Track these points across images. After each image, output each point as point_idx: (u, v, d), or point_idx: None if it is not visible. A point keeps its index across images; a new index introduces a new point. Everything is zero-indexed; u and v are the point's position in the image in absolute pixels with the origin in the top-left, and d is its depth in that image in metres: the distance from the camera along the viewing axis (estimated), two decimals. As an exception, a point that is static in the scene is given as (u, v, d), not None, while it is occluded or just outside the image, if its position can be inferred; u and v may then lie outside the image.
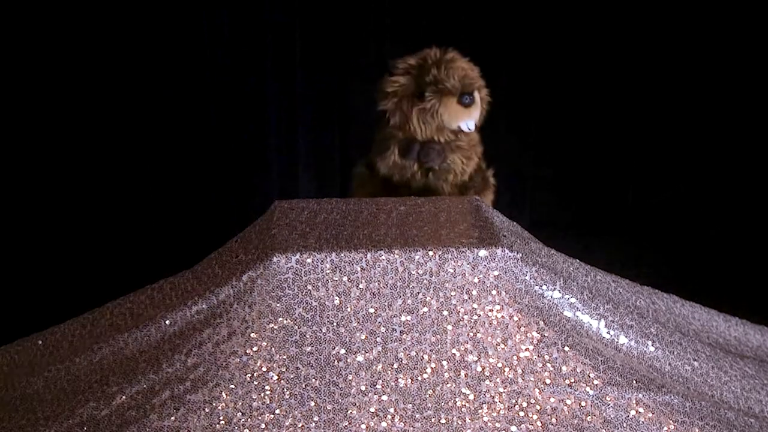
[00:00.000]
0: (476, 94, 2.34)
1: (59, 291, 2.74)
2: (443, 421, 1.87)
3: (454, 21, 3.14)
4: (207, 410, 1.84)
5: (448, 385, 1.88)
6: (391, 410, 1.87)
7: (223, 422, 1.83)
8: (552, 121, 3.28)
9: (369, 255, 1.85)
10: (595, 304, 1.96)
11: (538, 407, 1.88)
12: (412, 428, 1.87)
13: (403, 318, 1.86)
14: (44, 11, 2.94)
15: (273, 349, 1.85)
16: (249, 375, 1.85)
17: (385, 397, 1.87)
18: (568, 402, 1.87)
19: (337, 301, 1.85)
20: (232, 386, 1.84)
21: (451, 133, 2.37)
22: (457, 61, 2.36)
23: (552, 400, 1.87)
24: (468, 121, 2.34)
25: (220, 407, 1.84)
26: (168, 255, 2.94)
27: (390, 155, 2.39)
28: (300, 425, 1.85)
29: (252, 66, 3.13)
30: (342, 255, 1.84)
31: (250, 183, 3.23)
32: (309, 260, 1.84)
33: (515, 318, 1.89)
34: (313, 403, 1.86)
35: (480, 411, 1.88)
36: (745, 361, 2.08)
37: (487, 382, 1.88)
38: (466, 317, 1.87)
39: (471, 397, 1.88)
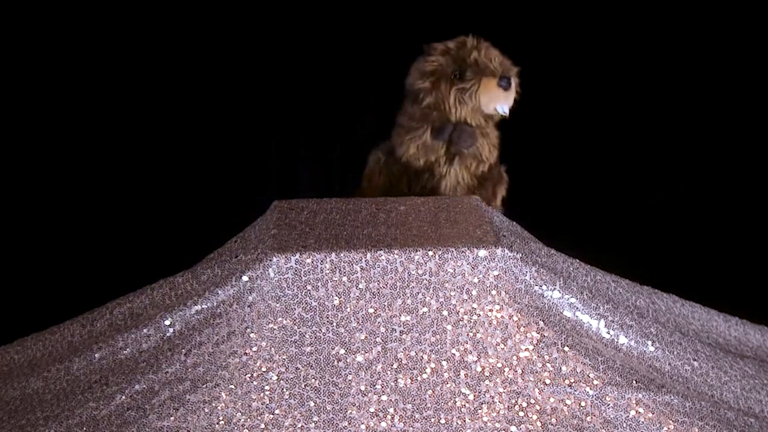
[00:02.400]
0: (513, 80, 2.38)
1: (59, 291, 2.74)
2: (443, 421, 1.87)
3: (454, 20, 3.13)
4: (206, 410, 1.84)
5: (448, 385, 1.88)
6: (391, 410, 1.87)
7: (222, 422, 1.83)
8: (552, 121, 3.28)
9: (369, 255, 1.85)
10: (595, 304, 1.96)
11: (537, 407, 1.88)
12: (411, 428, 1.87)
13: (402, 318, 1.86)
14: (44, 11, 2.94)
15: (272, 349, 1.85)
16: (248, 375, 1.85)
17: (384, 397, 1.87)
18: (568, 402, 1.87)
19: (336, 301, 1.85)
20: (232, 386, 1.84)
21: (483, 118, 2.40)
22: (493, 48, 2.40)
23: (552, 400, 1.87)
24: (504, 104, 2.37)
25: (219, 407, 1.84)
26: (168, 255, 2.94)
27: (423, 134, 2.39)
28: (300, 425, 1.85)
29: (252, 65, 3.13)
30: (342, 255, 1.84)
31: (250, 183, 3.23)
32: (308, 260, 1.84)
33: (515, 318, 1.89)
34: (312, 404, 1.86)
35: (480, 411, 1.88)
36: (745, 361, 2.08)
37: (487, 382, 1.88)
38: (465, 317, 1.87)
39: (471, 397, 1.88)
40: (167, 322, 1.91)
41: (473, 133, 2.38)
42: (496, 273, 1.88)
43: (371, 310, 1.86)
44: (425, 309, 1.87)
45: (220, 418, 1.84)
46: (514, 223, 2.17)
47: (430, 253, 1.86)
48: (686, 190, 3.31)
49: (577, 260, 2.10)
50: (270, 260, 1.85)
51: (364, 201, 2.18)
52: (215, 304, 1.89)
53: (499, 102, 2.36)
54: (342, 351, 1.86)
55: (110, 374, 1.90)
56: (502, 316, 1.88)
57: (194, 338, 1.88)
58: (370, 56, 3.11)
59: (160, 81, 3.08)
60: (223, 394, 1.84)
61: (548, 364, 1.88)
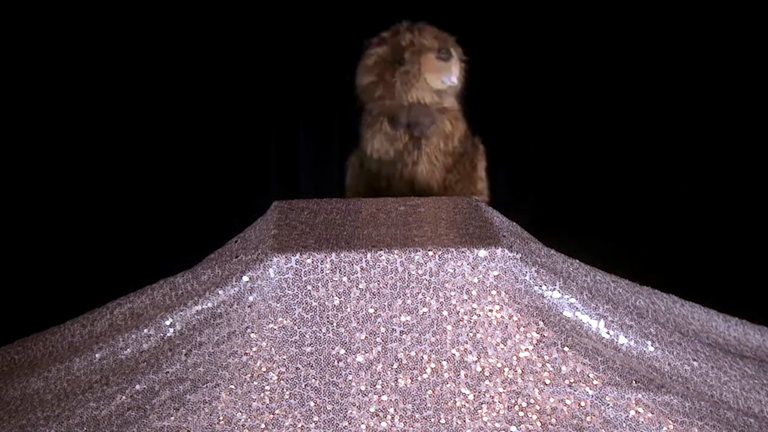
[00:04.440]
0: (452, 51, 2.41)
1: (59, 291, 2.74)
2: (443, 421, 1.87)
3: (454, 17, 3.13)
4: (207, 410, 1.84)
5: (448, 385, 1.88)
6: (391, 410, 1.87)
7: (222, 422, 1.83)
8: (552, 120, 3.28)
9: (369, 255, 1.85)
10: (595, 304, 1.96)
11: (537, 407, 1.88)
12: (411, 428, 1.87)
13: (402, 318, 1.87)
14: (44, 11, 2.94)
15: (273, 349, 1.85)
16: (249, 375, 1.85)
17: (384, 397, 1.87)
18: (568, 402, 1.87)
19: (336, 302, 1.85)
20: (232, 386, 1.85)
21: (436, 95, 2.41)
22: (429, 26, 2.44)
23: (551, 400, 1.87)
24: (449, 75, 2.39)
25: (219, 407, 1.84)
26: (168, 255, 2.95)
27: (381, 125, 2.42)
28: (300, 425, 1.85)
29: (252, 65, 3.13)
30: (342, 255, 1.84)
31: (250, 183, 3.23)
32: (309, 260, 1.84)
33: (515, 318, 1.89)
34: (312, 404, 1.86)
35: (480, 411, 1.88)
36: (744, 361, 2.08)
37: (487, 382, 1.88)
38: (465, 317, 1.87)
39: (471, 397, 1.88)
40: (168, 322, 1.91)
41: (429, 111, 2.41)
42: (496, 273, 1.88)
43: (371, 310, 1.86)
44: (425, 309, 1.87)
45: (221, 418, 1.84)
46: (514, 223, 2.18)
47: (430, 253, 1.86)
48: (686, 189, 3.31)
49: (577, 260, 2.10)
50: (270, 260, 1.85)
51: (364, 201, 2.19)
52: (216, 304, 1.89)
53: (444, 74, 2.39)
54: (342, 351, 1.86)
55: (111, 374, 1.90)
56: (502, 316, 1.88)
57: (194, 338, 1.88)
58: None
59: (159, 81, 3.08)
60: (223, 394, 1.84)
61: (548, 364, 1.88)
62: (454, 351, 1.88)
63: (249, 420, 1.84)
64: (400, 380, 1.87)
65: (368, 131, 2.47)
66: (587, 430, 1.85)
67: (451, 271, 1.86)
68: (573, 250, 2.24)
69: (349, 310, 1.86)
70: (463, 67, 2.47)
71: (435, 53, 2.37)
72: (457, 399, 1.88)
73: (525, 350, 1.89)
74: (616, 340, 1.96)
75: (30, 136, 3.05)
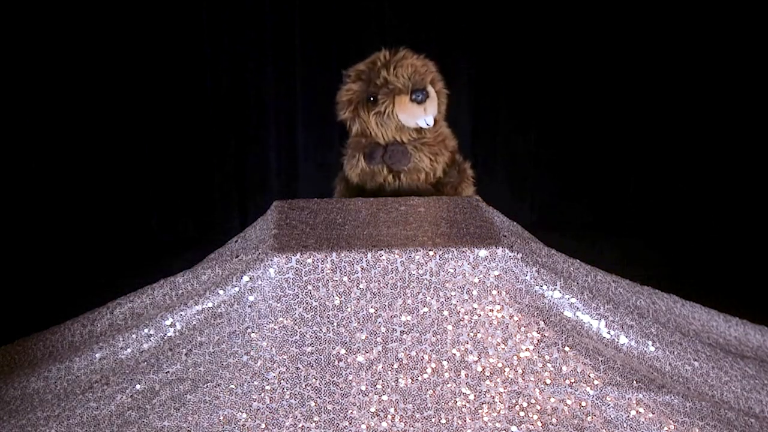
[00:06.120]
0: (430, 89, 2.34)
1: (59, 291, 2.74)
2: (443, 421, 1.87)
3: (455, 17, 3.14)
4: (207, 410, 1.83)
5: (449, 385, 1.88)
6: (392, 410, 1.87)
7: (223, 422, 1.83)
8: (553, 120, 3.28)
9: (369, 255, 1.85)
10: (596, 304, 1.96)
11: (538, 407, 1.87)
12: (412, 428, 1.87)
13: (403, 318, 1.86)
14: (44, 11, 2.94)
15: (273, 349, 1.85)
16: (249, 375, 1.85)
17: (385, 397, 1.87)
18: (569, 402, 1.87)
19: (337, 301, 1.85)
20: (232, 386, 1.84)
21: (414, 132, 2.37)
22: (407, 59, 2.35)
23: (552, 400, 1.87)
24: (425, 117, 2.34)
25: (220, 407, 1.84)
26: (168, 255, 2.95)
27: (357, 163, 2.40)
28: (300, 425, 1.85)
29: (252, 65, 3.13)
30: (342, 255, 1.84)
31: (250, 182, 3.23)
32: (309, 260, 1.84)
33: (515, 318, 1.89)
34: (313, 403, 1.86)
35: (480, 411, 1.88)
36: (745, 361, 2.08)
37: (488, 382, 1.88)
38: (466, 317, 1.87)
39: (471, 397, 1.88)
40: (168, 322, 1.91)
41: (405, 150, 2.36)
42: (496, 273, 1.88)
43: (372, 310, 1.86)
44: (426, 309, 1.87)
45: (221, 418, 1.84)
46: (514, 223, 2.18)
47: (431, 253, 1.86)
48: (686, 189, 3.31)
49: (577, 260, 2.10)
50: (271, 260, 1.84)
51: (365, 201, 2.18)
52: (216, 304, 1.89)
53: (418, 116, 2.33)
54: (343, 351, 1.86)
55: (111, 374, 1.90)
56: (502, 316, 1.88)
57: (195, 338, 1.88)
58: (370, 54, 3.10)
59: (159, 80, 3.08)
60: (223, 394, 1.84)
61: (549, 364, 1.88)
62: (454, 351, 1.88)
63: (249, 420, 1.84)
64: (400, 380, 1.87)
65: (348, 163, 2.44)
66: (588, 430, 1.85)
67: (452, 270, 1.86)
68: (573, 250, 2.24)
69: (349, 309, 1.86)
70: (443, 101, 2.40)
71: (409, 95, 2.29)
72: (457, 399, 1.88)
73: (526, 350, 1.88)
74: (616, 340, 1.96)
75: (31, 136, 3.05)
